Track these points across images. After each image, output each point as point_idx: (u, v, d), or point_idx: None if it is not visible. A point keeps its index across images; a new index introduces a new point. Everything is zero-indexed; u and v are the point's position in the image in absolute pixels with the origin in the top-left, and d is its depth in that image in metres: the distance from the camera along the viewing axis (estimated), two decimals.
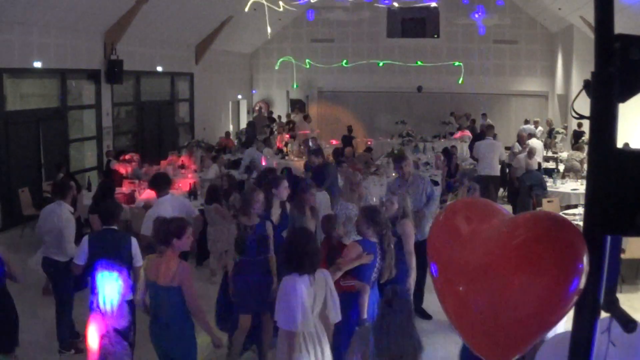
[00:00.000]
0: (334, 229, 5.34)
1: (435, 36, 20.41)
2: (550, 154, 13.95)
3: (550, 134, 15.68)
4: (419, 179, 7.30)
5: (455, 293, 1.78)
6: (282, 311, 3.93)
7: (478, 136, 14.17)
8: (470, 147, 14.21)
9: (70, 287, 5.95)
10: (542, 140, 14.32)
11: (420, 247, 6.43)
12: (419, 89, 19.96)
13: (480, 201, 2.13)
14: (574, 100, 1.70)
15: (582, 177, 10.65)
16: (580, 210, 8.59)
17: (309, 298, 3.93)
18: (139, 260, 5.09)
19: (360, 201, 6.71)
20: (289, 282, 3.95)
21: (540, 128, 15.99)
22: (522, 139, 12.88)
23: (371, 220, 4.85)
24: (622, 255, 6.54)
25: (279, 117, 20.08)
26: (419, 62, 19.89)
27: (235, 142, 16.62)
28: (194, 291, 4.29)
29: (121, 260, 4.97)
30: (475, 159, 11.91)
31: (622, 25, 1.59)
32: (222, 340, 4.84)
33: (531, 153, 11.11)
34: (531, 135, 14.05)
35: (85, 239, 5.14)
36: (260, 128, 18.07)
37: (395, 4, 17.06)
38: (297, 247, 4.02)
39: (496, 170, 11.21)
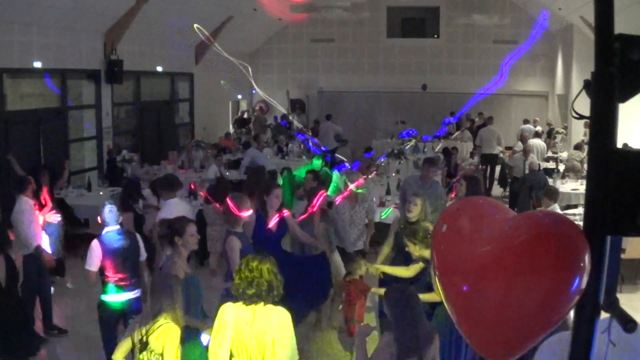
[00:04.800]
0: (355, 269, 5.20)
1: (435, 36, 20.40)
2: (550, 154, 13.95)
3: (550, 134, 15.68)
4: (436, 186, 7.38)
5: (458, 292, 1.78)
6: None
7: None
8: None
9: (35, 278, 6.07)
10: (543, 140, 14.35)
11: None
12: (424, 87, 19.95)
13: (482, 200, 2.13)
14: (574, 100, 1.70)
15: (582, 177, 10.66)
16: (580, 210, 8.59)
17: (241, 334, 3.43)
18: (143, 254, 5.27)
19: (362, 203, 6.75)
20: (223, 308, 3.56)
21: (539, 127, 16.00)
22: (524, 139, 12.95)
23: None
24: (622, 255, 6.55)
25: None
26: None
27: (235, 142, 16.64)
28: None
29: (132, 257, 5.10)
30: (478, 145, 14.84)
31: (622, 25, 1.59)
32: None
33: (526, 152, 11.30)
34: (537, 134, 14.10)
35: (96, 243, 5.09)
36: (260, 128, 18.11)
37: None
38: (240, 271, 3.54)
39: (495, 150, 14.25)
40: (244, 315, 3.42)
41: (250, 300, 3.44)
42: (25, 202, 6.23)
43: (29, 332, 5.50)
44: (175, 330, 3.50)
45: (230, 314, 3.43)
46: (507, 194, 12.47)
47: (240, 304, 3.46)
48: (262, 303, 3.44)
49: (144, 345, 3.44)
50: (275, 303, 3.50)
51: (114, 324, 5.17)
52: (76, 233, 9.02)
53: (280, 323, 3.42)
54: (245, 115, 20.34)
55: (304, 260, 6.18)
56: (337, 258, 6.39)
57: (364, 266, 5.19)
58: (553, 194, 6.72)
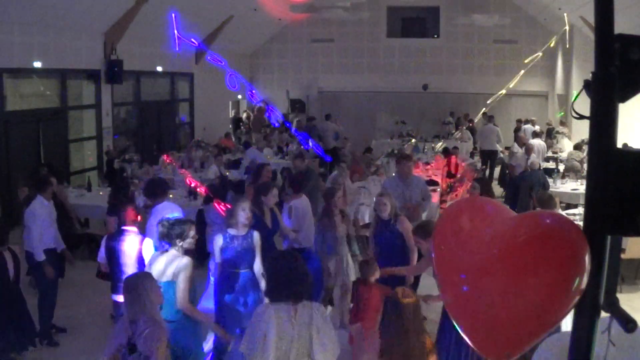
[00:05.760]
0: (372, 273, 5.19)
1: (435, 36, 20.40)
2: (550, 154, 13.96)
3: (550, 133, 15.68)
4: (416, 179, 7.48)
5: (458, 292, 1.78)
6: (245, 338, 3.45)
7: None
8: None
9: (45, 279, 6.04)
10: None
11: None
12: (425, 87, 19.96)
13: (483, 200, 2.13)
14: (574, 100, 1.70)
15: (582, 177, 10.66)
16: (580, 210, 8.59)
17: (283, 333, 3.34)
18: None
19: (350, 204, 6.82)
20: (260, 310, 3.47)
21: (537, 127, 16.03)
22: (520, 140, 13.06)
23: None
24: (622, 255, 6.55)
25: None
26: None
27: (235, 142, 16.64)
28: (185, 285, 4.26)
29: (133, 260, 5.02)
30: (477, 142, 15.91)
31: (622, 25, 1.59)
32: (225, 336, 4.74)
33: (528, 150, 11.33)
34: (536, 134, 14.12)
35: (104, 238, 5.29)
36: (259, 128, 18.12)
37: None
38: (277, 272, 3.50)
39: (494, 146, 14.85)
40: None
41: None
42: (40, 203, 6.22)
43: (27, 327, 5.50)
44: (161, 330, 3.46)
45: None
46: (506, 193, 12.46)
47: None
48: None
49: (132, 348, 3.41)
50: None
51: None
52: (76, 233, 9.01)
53: None
54: (245, 115, 20.34)
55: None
56: (350, 259, 6.51)
57: (378, 272, 5.19)
58: (545, 203, 6.68)
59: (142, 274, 3.84)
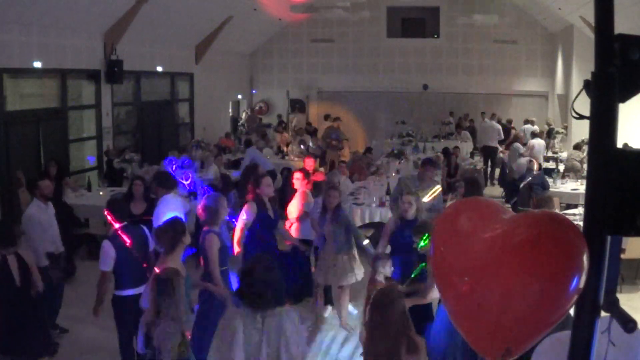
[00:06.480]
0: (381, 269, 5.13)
1: (435, 36, 20.40)
2: (550, 154, 13.97)
3: (550, 134, 15.70)
4: (434, 185, 7.43)
5: (457, 292, 1.78)
6: (217, 349, 3.40)
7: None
8: None
9: (51, 282, 6.02)
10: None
11: None
12: (425, 87, 19.96)
13: (482, 200, 2.14)
14: (574, 100, 1.70)
15: (582, 177, 10.67)
16: (580, 210, 8.60)
17: (249, 339, 3.26)
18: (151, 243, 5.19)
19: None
20: (227, 316, 3.43)
21: (536, 127, 16.05)
22: (520, 140, 13.08)
23: None
24: (622, 255, 6.55)
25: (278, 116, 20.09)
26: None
27: (235, 142, 16.64)
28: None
29: (146, 251, 5.11)
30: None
31: (622, 25, 1.59)
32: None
33: (533, 162, 11.29)
34: (534, 134, 14.12)
35: (107, 243, 5.05)
36: (253, 128, 18.13)
37: None
38: (247, 277, 3.40)
39: (494, 142, 15.18)
40: None
41: None
42: (35, 206, 6.21)
43: (44, 333, 5.48)
44: (174, 328, 3.52)
45: None
46: (505, 193, 12.47)
47: None
48: None
49: (148, 340, 3.50)
50: None
51: (130, 319, 5.12)
52: (76, 233, 9.02)
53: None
54: (244, 115, 20.35)
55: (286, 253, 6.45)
56: (345, 261, 6.21)
57: (389, 268, 5.15)
58: (544, 205, 6.69)
59: (173, 271, 3.89)
